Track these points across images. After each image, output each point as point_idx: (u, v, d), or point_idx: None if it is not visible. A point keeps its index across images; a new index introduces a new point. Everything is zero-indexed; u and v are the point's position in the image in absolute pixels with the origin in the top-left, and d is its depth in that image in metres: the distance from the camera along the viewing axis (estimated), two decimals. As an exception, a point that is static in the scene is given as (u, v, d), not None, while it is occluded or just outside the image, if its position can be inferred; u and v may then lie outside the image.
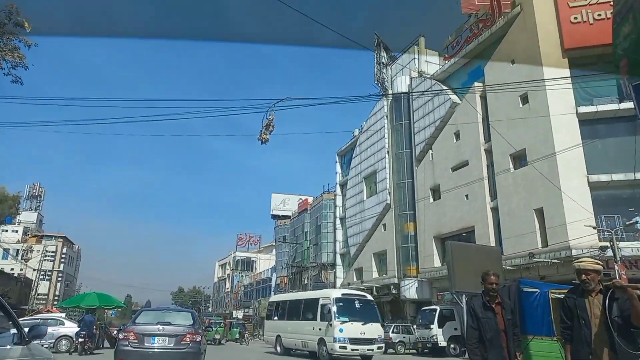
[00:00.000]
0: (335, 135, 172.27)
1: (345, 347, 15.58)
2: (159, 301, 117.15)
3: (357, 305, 16.71)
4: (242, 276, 75.62)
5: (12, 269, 64.44)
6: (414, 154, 33.73)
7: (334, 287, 43.33)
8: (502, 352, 4.36)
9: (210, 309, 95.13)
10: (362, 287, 37.04)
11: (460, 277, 17.02)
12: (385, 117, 37.96)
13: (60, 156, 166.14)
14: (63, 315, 22.95)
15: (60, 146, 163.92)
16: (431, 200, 31.38)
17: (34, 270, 46.43)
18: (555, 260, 21.40)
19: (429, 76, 33.09)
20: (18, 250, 72.97)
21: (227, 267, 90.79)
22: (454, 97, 29.82)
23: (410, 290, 31.42)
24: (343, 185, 45.97)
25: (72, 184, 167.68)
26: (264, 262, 78.69)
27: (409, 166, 34.34)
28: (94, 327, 17.21)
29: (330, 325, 15.89)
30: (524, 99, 24.37)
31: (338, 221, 45.47)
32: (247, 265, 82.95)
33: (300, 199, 61.87)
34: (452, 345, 22.07)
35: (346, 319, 15.87)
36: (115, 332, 19.07)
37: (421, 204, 32.01)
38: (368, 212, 38.79)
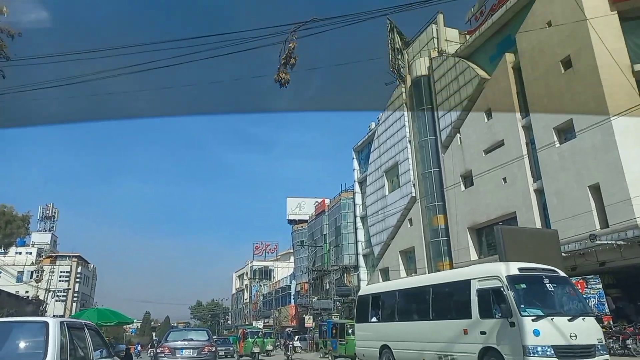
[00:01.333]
0: (349, 137, 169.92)
1: None
2: (178, 316, 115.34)
3: (550, 286, 9.67)
4: (261, 285, 73.14)
5: (26, 292, 63.08)
6: (439, 140, 31.04)
7: (358, 289, 40.68)
8: None
9: (229, 321, 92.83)
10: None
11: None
12: (404, 104, 35.37)
13: (74, 175, 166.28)
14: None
15: (73, 164, 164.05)
16: (462, 188, 28.62)
17: (45, 290, 44.46)
18: (621, 242, 18.50)
19: (451, 54, 30.46)
20: (32, 272, 71.67)
21: (245, 277, 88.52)
22: (482, 73, 27.11)
23: (446, 288, 28.55)
24: (362, 183, 43.38)
25: (87, 202, 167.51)
26: (282, 270, 76.24)
27: (435, 154, 31.65)
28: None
29: (512, 324, 8.99)
30: (567, 64, 21.60)
31: (359, 220, 42.82)
32: (265, 274, 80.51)
33: (317, 201, 59.37)
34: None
35: (540, 312, 8.99)
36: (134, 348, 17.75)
37: (451, 193, 29.25)
38: (391, 208, 36.11)
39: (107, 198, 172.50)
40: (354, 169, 44.55)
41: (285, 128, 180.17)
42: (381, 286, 16.21)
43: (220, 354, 28.06)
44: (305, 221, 59.14)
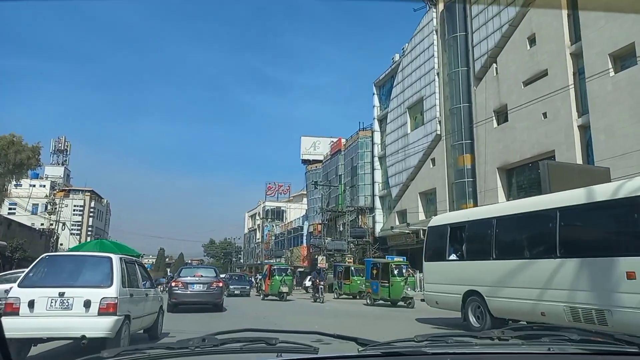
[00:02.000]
0: (366, 79, 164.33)
1: None
2: (191, 253, 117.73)
3: None
4: (273, 226, 72.83)
5: (42, 224, 63.56)
6: (471, 72, 28.18)
7: (374, 232, 39.41)
8: None
9: (241, 260, 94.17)
10: (407, 231, 32.87)
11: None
12: (434, 32, 32.15)
13: (91, 112, 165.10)
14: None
15: (93, 101, 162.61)
16: (495, 124, 26.15)
17: (56, 222, 44.04)
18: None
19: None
20: (46, 205, 72.09)
21: (257, 217, 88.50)
22: (528, -7, 23.83)
23: (468, 231, 26.87)
24: (382, 120, 40.89)
25: (104, 140, 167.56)
26: (295, 212, 75.63)
27: (465, 88, 28.90)
28: None
29: None
30: (635, -24, 18.42)
31: (377, 161, 40.78)
32: (277, 215, 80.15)
33: (332, 141, 57.18)
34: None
35: None
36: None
37: (481, 130, 26.83)
38: (413, 147, 33.89)
39: (124, 136, 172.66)
40: (373, 106, 41.92)
41: (302, 70, 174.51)
42: (465, 214, 12.22)
43: (235, 292, 26.53)
44: (319, 161, 57.32)
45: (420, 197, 33.29)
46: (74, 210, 71.23)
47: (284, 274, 23.90)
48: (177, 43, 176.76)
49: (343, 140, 48.15)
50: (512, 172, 25.41)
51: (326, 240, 38.87)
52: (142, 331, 8.05)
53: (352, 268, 26.36)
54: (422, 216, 32.85)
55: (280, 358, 1.29)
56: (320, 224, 50.84)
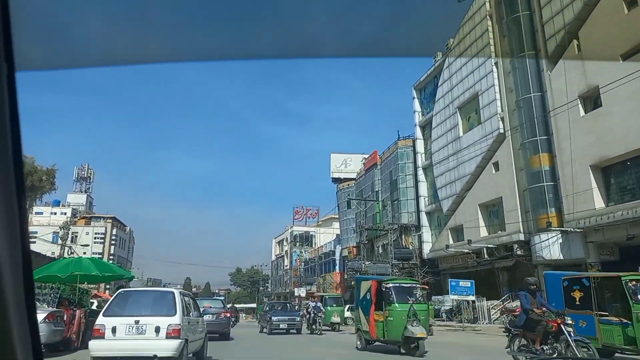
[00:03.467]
0: (387, 111, 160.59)
1: None
2: (217, 282, 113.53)
3: None
4: (301, 251, 67.92)
5: (52, 252, 60.54)
6: (542, 54, 23.38)
7: (421, 253, 34.13)
8: None
9: (269, 289, 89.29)
10: (466, 251, 27.60)
11: None
12: (487, 17, 27.64)
13: (116, 145, 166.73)
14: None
15: (119, 135, 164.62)
16: (581, 112, 21.09)
17: (62, 246, 40.23)
18: None
19: None
20: (61, 230, 69.55)
21: (285, 243, 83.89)
22: (621, -55, 19.14)
23: (552, 248, 21.52)
24: (425, 126, 36.23)
25: (129, 172, 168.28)
26: (325, 237, 70.72)
27: (535, 74, 24.08)
28: None
29: None
30: None
31: (420, 172, 35.87)
32: (306, 240, 75.34)
33: (364, 157, 52.66)
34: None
35: None
36: None
37: (562, 122, 21.77)
38: (467, 152, 28.97)
39: (148, 168, 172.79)
40: (414, 111, 37.33)
41: (323, 101, 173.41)
42: None
43: (281, 326, 19.84)
44: (351, 179, 52.65)
45: (481, 210, 28.08)
46: (95, 238, 68.16)
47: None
48: (200, 78, 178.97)
49: (379, 153, 43.49)
50: (611, 169, 20.13)
51: (365, 264, 33.71)
52: (191, 355, 8.54)
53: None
54: (483, 232, 27.57)
55: None
56: (355, 246, 45.76)
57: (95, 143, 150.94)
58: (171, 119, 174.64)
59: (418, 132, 36.73)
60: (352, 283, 28.37)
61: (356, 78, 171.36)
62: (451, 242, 30.14)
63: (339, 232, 64.80)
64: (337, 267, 57.06)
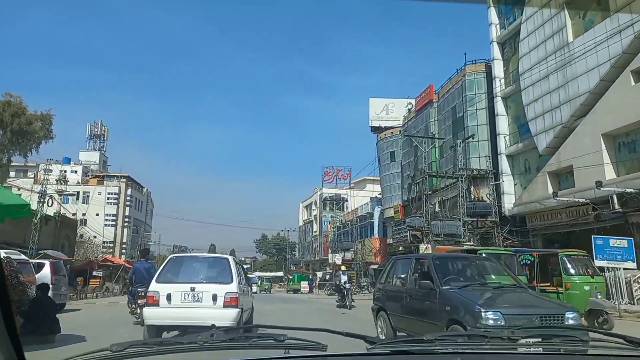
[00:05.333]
0: (414, 76, 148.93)
1: None
2: (243, 249, 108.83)
3: None
4: (332, 216, 60.54)
5: (73, 214, 55.29)
6: None
7: (500, 207, 26.04)
8: None
9: (297, 256, 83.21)
10: (581, 200, 19.47)
11: None
12: None
13: (145, 118, 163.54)
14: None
15: (148, 110, 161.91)
16: None
17: (42, 195, 33.48)
18: None
19: None
20: (78, 192, 64.00)
21: (313, 207, 76.84)
22: None
23: None
24: (506, 43, 27.47)
25: (158, 145, 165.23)
26: (357, 200, 63.11)
27: None
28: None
29: None
30: None
31: (499, 103, 27.27)
32: (337, 203, 67.87)
33: (410, 103, 44.10)
34: None
35: None
36: None
37: None
38: (584, 64, 20.32)
39: (175, 139, 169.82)
40: (490, 24, 28.39)
41: (349, 71, 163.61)
42: None
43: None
44: (394, 127, 44.32)
45: (606, 142, 19.57)
46: (108, 198, 62.48)
47: None
48: (227, 50, 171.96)
49: (435, 88, 34.84)
50: None
51: (431, 223, 25.80)
52: None
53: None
54: (610, 174, 19.20)
55: (288, 355, 1.28)
56: (404, 204, 37.85)
57: (124, 117, 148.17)
58: (198, 91, 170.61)
59: (495, 51, 27.91)
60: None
61: (382, 48, 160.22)
62: (550, 190, 21.86)
63: (373, 195, 57.06)
64: (375, 231, 49.61)
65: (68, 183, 62.52)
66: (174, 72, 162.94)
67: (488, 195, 26.50)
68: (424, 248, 23.57)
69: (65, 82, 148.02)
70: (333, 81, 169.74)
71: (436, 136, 33.19)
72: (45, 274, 13.98)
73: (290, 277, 55.73)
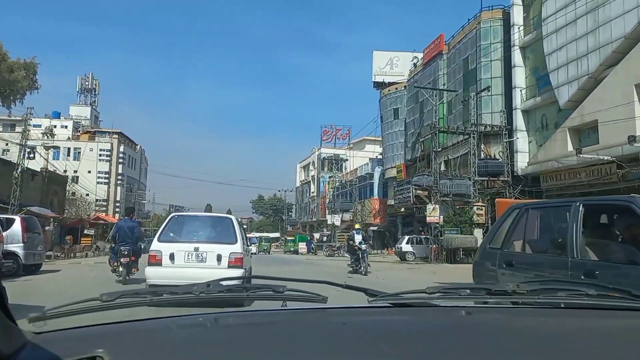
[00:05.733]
0: (419, 38, 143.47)
1: None
2: (239, 210, 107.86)
3: None
4: (333, 175, 59.04)
5: (65, 171, 53.57)
6: None
7: (513, 166, 24.49)
8: None
9: (293, 216, 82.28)
10: (606, 158, 17.85)
11: None
12: None
13: (142, 76, 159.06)
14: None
15: (144, 67, 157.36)
16: None
17: (22, 146, 31.46)
18: None
19: None
20: (69, 149, 62.02)
21: (311, 167, 75.21)
22: None
23: None
24: (527, -15, 25.05)
25: (155, 102, 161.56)
26: (357, 160, 61.46)
27: None
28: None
29: None
30: None
31: (517, 53, 25.15)
32: (335, 164, 66.28)
33: (416, 57, 41.57)
34: None
35: None
36: None
37: None
38: (618, 4, 18.20)
39: (173, 98, 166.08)
40: (510, -35, 25.87)
41: (351, 29, 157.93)
42: None
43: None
44: (398, 83, 42.09)
45: (639, 93, 17.78)
46: (99, 155, 60.54)
47: None
48: (225, 4, 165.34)
49: (446, 38, 32.48)
50: None
51: (439, 182, 24.25)
52: None
53: None
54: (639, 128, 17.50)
55: (286, 307, 1.27)
56: (408, 164, 36.26)
57: (122, 74, 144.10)
58: (196, 49, 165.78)
59: (515, -4, 25.56)
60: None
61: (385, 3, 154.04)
62: (570, 148, 20.24)
63: (373, 155, 55.38)
64: (375, 192, 48.28)
65: (57, 138, 60.41)
66: (170, 27, 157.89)
67: (500, 153, 24.85)
68: (431, 209, 22.13)
69: (53, 34, 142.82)
70: (334, 37, 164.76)
71: (445, 91, 31.17)
72: (15, 230, 12.44)
73: (291, 238, 54.71)
